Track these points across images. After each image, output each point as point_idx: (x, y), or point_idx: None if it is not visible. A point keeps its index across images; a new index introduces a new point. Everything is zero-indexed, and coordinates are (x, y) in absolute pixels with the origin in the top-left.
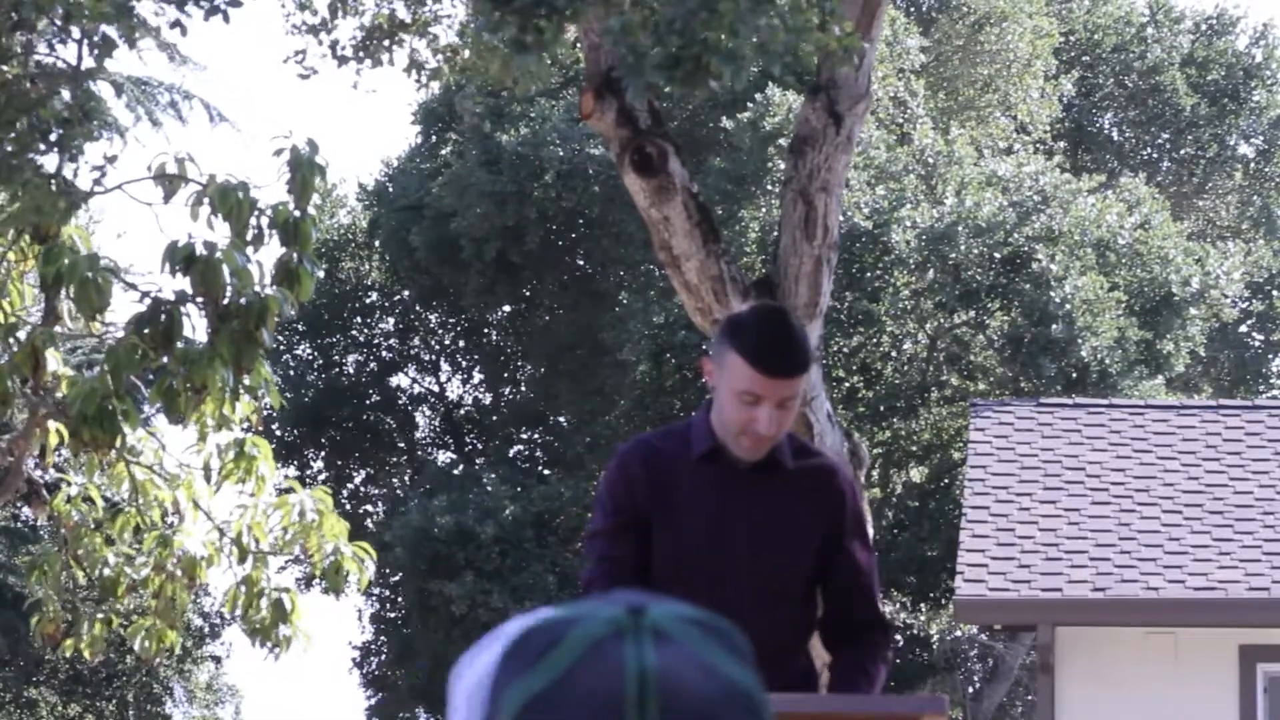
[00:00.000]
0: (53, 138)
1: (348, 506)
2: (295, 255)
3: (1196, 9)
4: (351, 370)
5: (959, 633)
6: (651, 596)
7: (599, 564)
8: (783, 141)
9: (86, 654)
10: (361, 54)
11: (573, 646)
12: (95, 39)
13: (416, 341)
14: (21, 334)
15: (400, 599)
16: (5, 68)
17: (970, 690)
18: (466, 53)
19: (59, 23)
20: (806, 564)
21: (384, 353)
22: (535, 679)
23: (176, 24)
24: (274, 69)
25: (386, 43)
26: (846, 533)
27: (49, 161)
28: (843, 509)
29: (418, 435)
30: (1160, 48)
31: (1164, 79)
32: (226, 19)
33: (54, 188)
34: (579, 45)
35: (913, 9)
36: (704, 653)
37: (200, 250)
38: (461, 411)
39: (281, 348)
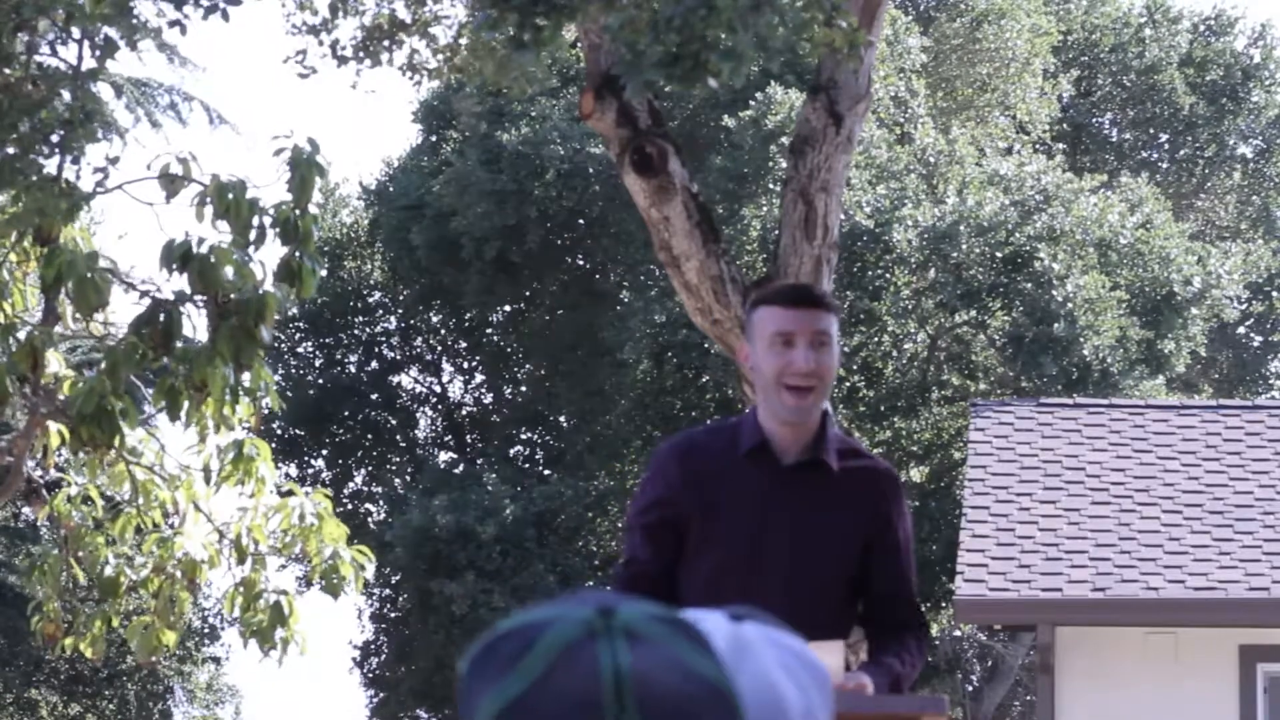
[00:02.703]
0: (55, 139)
1: (349, 505)
2: (297, 253)
3: (1194, 9)
4: (353, 369)
5: (959, 633)
6: (621, 596)
7: (625, 566)
8: (784, 140)
9: (88, 653)
10: (361, 54)
11: (546, 650)
12: (96, 40)
13: (418, 341)
14: (21, 334)
15: (401, 599)
16: (7, 71)
17: (970, 690)
18: (464, 53)
19: (59, 24)
20: (847, 566)
21: (385, 352)
22: (510, 685)
23: (176, 23)
24: (275, 69)
25: (386, 43)
26: (890, 536)
27: (51, 163)
28: (888, 512)
29: (419, 434)
30: (1158, 48)
31: (1162, 79)
32: (226, 17)
33: (56, 190)
34: (579, 45)
35: (911, 7)
36: (677, 650)
37: (197, 248)
38: (462, 411)
39: (283, 346)
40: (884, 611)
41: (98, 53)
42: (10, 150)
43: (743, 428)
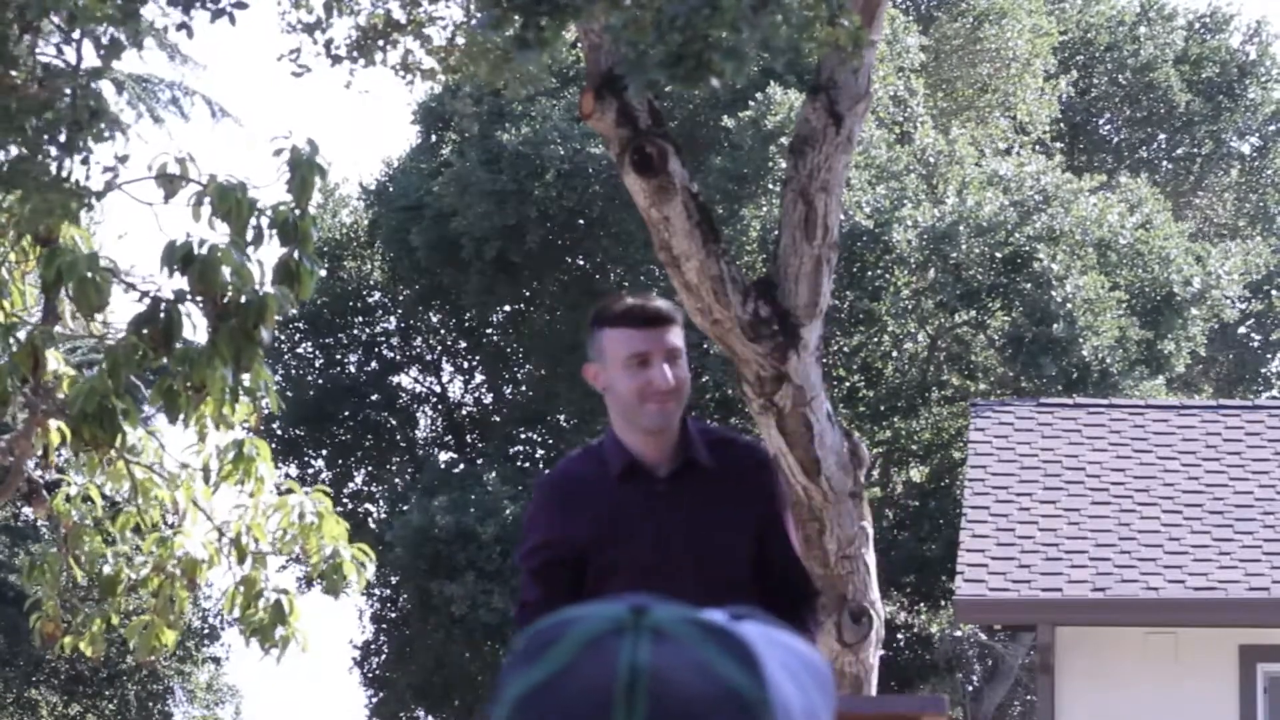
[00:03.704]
0: (61, 139)
1: (349, 505)
2: (295, 254)
3: (1189, 6)
4: (353, 369)
5: (959, 633)
6: (658, 599)
7: (521, 608)
8: (784, 140)
9: (88, 652)
10: (355, 54)
11: (572, 642)
12: (100, 40)
13: (418, 341)
14: (21, 334)
15: (401, 599)
16: (14, 73)
17: (970, 690)
18: (458, 54)
19: (64, 25)
20: (745, 555)
21: (385, 352)
22: (534, 672)
23: (183, 26)
24: (275, 69)
25: (381, 42)
26: (777, 513)
27: (56, 164)
28: (772, 494)
29: (419, 434)
30: (1153, 45)
31: (1158, 76)
32: (233, 20)
33: (62, 189)
34: (579, 45)
35: (911, 7)
36: (702, 653)
37: (198, 249)
38: (462, 411)
39: (283, 346)
40: (781, 593)
41: (102, 53)
42: (18, 151)
43: (606, 451)
